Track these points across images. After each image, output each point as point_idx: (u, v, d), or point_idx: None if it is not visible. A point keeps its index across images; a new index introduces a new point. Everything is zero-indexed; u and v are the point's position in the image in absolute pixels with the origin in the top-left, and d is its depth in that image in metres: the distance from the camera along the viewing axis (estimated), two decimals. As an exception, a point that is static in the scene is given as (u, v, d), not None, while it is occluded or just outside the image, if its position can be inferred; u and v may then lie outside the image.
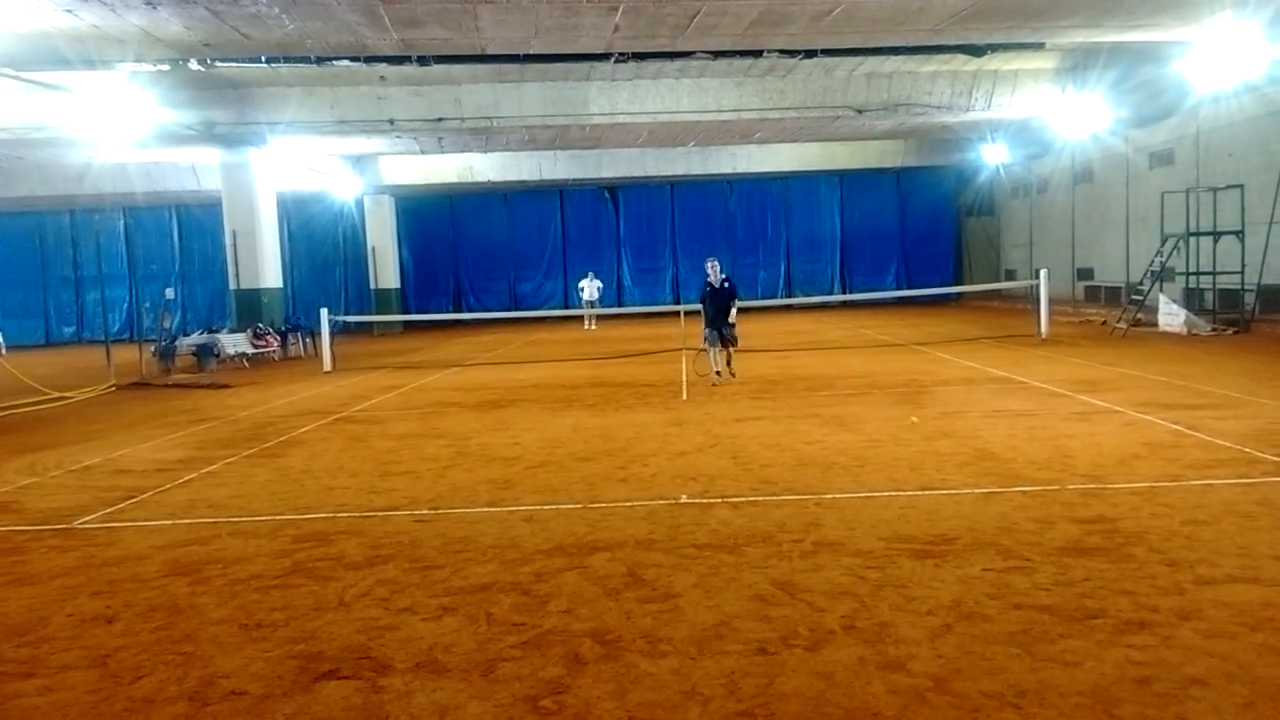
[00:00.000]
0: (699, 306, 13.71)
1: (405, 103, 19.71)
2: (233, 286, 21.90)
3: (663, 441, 9.01)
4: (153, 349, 18.62)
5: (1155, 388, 11.05)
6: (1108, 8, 13.66)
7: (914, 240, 33.95)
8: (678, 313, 20.41)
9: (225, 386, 15.87)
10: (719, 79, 19.76)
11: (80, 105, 16.75)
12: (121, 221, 31.67)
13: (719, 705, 3.55)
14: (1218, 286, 18.82)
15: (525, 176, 29.24)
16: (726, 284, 13.24)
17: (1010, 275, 31.33)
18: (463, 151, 26.82)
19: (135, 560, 5.77)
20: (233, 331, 20.75)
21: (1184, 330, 17.58)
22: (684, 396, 12.20)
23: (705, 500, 6.65)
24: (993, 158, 28.31)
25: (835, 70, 19.44)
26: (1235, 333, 17.35)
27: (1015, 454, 7.72)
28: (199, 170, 26.21)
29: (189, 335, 21.18)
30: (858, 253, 34.07)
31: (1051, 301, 18.78)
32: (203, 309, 31.69)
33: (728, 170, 30.06)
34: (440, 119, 19.89)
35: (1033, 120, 22.62)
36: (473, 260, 34.11)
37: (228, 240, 21.66)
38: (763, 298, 31.97)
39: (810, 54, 16.34)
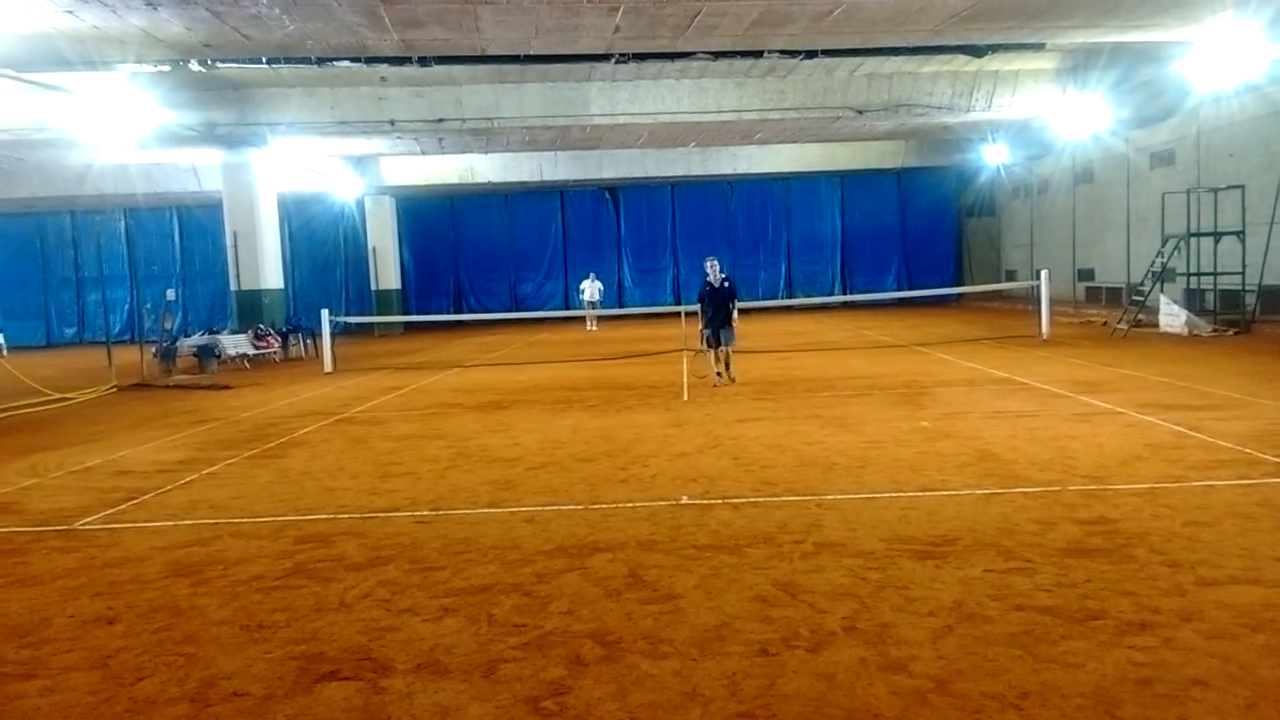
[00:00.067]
0: (697, 306, 13.68)
1: (406, 103, 19.71)
2: (234, 287, 21.90)
3: (663, 442, 9.01)
4: (154, 350, 18.62)
5: (1156, 389, 11.04)
6: (1108, 8, 13.66)
7: (915, 241, 33.93)
8: (678, 313, 20.41)
9: (226, 387, 15.87)
10: (719, 79, 19.77)
11: (81, 106, 16.75)
12: (122, 222, 31.70)
13: (720, 706, 3.55)
14: (1219, 287, 18.81)
15: (526, 177, 29.25)
16: (726, 284, 13.16)
17: (1011, 276, 31.32)
18: (463, 152, 26.82)
19: (137, 561, 5.78)
20: (234, 332, 20.76)
21: (1185, 331, 17.57)
22: (685, 397, 12.20)
23: (706, 501, 6.65)
24: (993, 158, 28.31)
25: (836, 71, 19.44)
26: (1236, 333, 17.35)
27: (1016, 455, 7.72)
28: (200, 171, 26.22)
29: (190, 336, 21.21)
30: (858, 253, 34.05)
31: (1052, 302, 18.77)
32: (204, 310, 31.69)
33: (728, 171, 30.06)
34: (441, 120, 19.90)
35: (1033, 121, 22.62)
36: (473, 261, 34.11)
37: (229, 241, 21.67)
38: (763, 298, 31.94)
39: (811, 54, 16.33)
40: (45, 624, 4.77)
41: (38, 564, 5.86)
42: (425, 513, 6.71)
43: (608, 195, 33.85)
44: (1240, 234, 17.55)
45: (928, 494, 6.59)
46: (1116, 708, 3.40)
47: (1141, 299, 19.13)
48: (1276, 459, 7.13)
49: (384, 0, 12.23)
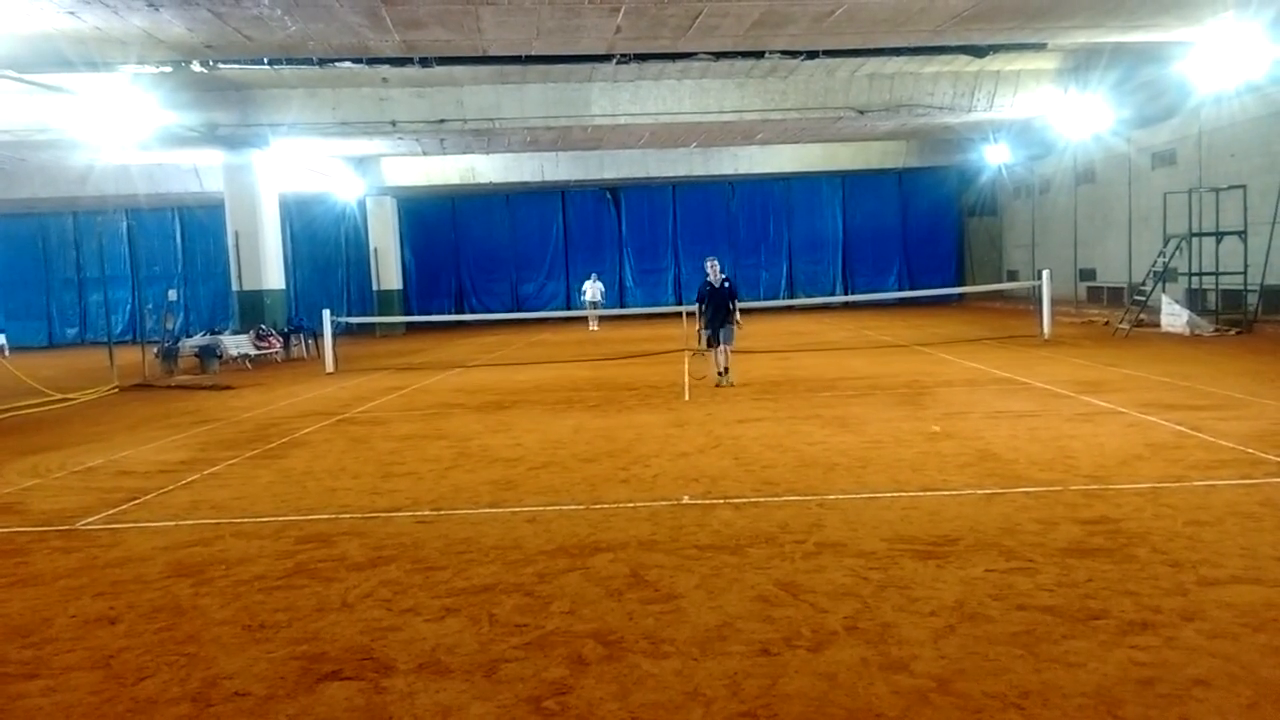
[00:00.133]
0: (696, 307, 13.59)
1: (407, 104, 19.72)
2: (235, 288, 21.91)
3: (665, 442, 9.01)
4: (155, 350, 18.64)
5: (1158, 388, 11.04)
6: (1109, 8, 13.65)
7: (916, 241, 33.92)
8: (680, 313, 20.40)
9: (228, 388, 15.89)
10: (721, 80, 19.77)
11: (83, 107, 16.77)
12: (124, 223, 31.62)
13: (721, 706, 3.55)
14: (1220, 287, 18.80)
15: (527, 178, 29.26)
16: (726, 284, 13.07)
17: (1012, 276, 31.33)
18: (465, 153, 26.83)
19: (138, 561, 5.78)
20: (235, 333, 20.78)
21: (1187, 331, 17.56)
22: (686, 397, 12.20)
23: (707, 501, 6.65)
24: (995, 158, 28.31)
25: (837, 71, 19.44)
26: (1238, 333, 17.34)
27: (1018, 455, 7.71)
28: (201, 172, 26.25)
29: (192, 337, 21.23)
30: (860, 253, 34.05)
31: (1054, 302, 18.77)
32: (205, 310, 31.71)
33: (729, 171, 30.05)
34: (442, 120, 19.91)
35: (1035, 121, 22.61)
36: (475, 261, 34.13)
37: (230, 242, 21.68)
38: (765, 299, 31.93)
39: (812, 55, 16.33)
40: (47, 624, 4.77)
41: (40, 564, 5.86)
42: (427, 513, 6.71)
43: (609, 195, 33.85)
44: (1242, 234, 17.54)
45: (929, 494, 6.59)
46: (1118, 707, 3.40)
47: (1143, 299, 19.11)
48: (1278, 459, 7.13)
49: (385, 1, 12.24)
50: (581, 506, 6.67)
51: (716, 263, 13.34)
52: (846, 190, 33.94)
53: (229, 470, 8.66)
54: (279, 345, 21.16)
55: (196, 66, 15.16)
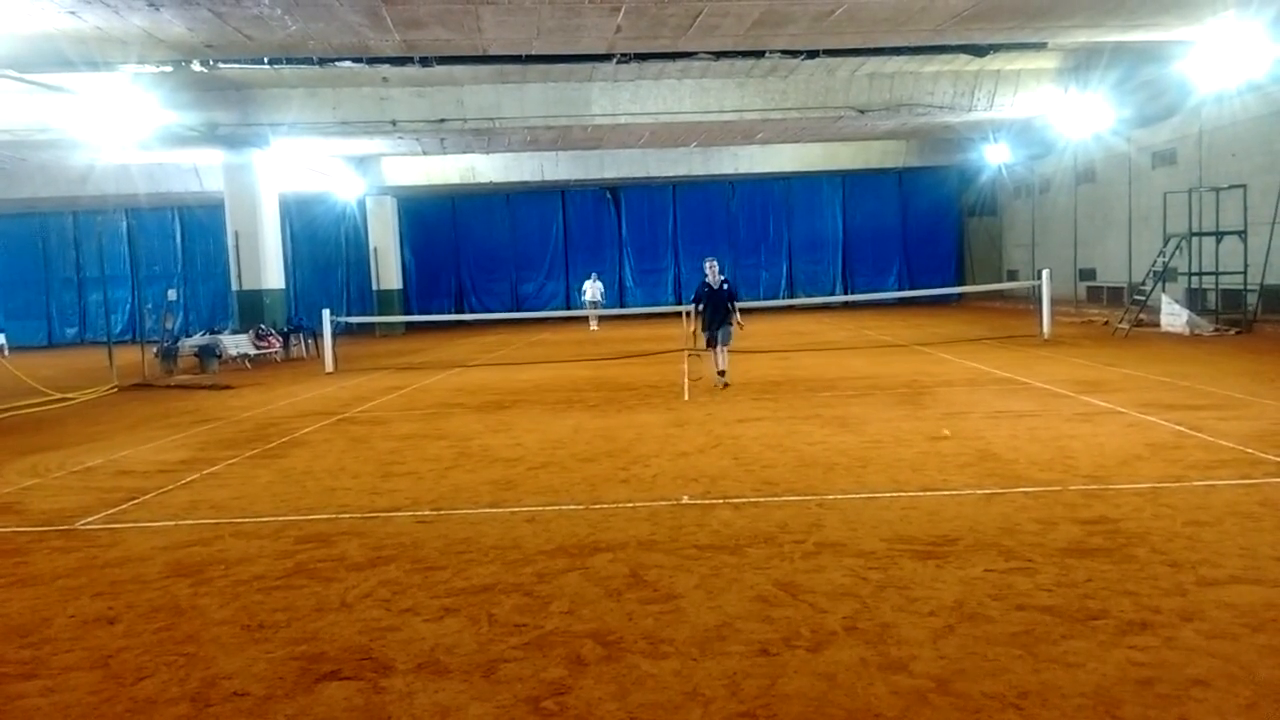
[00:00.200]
0: (693, 307, 13.51)
1: (407, 104, 19.73)
2: (235, 287, 21.91)
3: (664, 442, 9.01)
4: (155, 350, 18.64)
5: (1157, 388, 11.03)
6: (1110, 8, 13.64)
7: (916, 240, 33.91)
8: (679, 313, 20.40)
9: (227, 387, 15.89)
10: (721, 79, 19.77)
11: (83, 107, 16.78)
12: (124, 223, 31.69)
13: (721, 706, 3.55)
14: (1220, 287, 18.80)
15: (527, 177, 29.26)
16: (725, 285, 12.92)
17: (1012, 275, 31.32)
18: (465, 152, 26.83)
19: (137, 561, 5.78)
20: (235, 332, 20.77)
21: (1186, 331, 17.56)
22: (685, 397, 12.20)
23: (707, 501, 6.65)
24: (995, 158, 28.30)
25: (837, 71, 19.44)
26: (1238, 333, 17.33)
27: (1017, 455, 7.71)
28: (201, 171, 26.25)
29: (191, 336, 21.23)
30: (860, 253, 34.05)
31: (1054, 302, 18.76)
32: (205, 310, 31.72)
33: (730, 171, 30.05)
34: (442, 120, 19.91)
35: (1035, 120, 22.60)
36: (475, 261, 34.14)
37: (230, 241, 21.68)
38: (765, 298, 31.93)
39: (812, 54, 16.32)
40: (46, 624, 4.77)
41: (39, 564, 5.86)
42: (426, 512, 6.71)
43: (609, 195, 33.85)
44: (1242, 234, 17.54)
45: (929, 494, 6.59)
46: (1117, 707, 3.40)
47: (1143, 298, 19.11)
48: (1278, 459, 7.12)
49: (386, 1, 12.24)
50: (581, 506, 6.67)
51: (715, 263, 13.16)
52: (846, 190, 33.94)
53: (228, 470, 8.66)
54: (278, 345, 21.16)
55: (197, 66, 15.16)
